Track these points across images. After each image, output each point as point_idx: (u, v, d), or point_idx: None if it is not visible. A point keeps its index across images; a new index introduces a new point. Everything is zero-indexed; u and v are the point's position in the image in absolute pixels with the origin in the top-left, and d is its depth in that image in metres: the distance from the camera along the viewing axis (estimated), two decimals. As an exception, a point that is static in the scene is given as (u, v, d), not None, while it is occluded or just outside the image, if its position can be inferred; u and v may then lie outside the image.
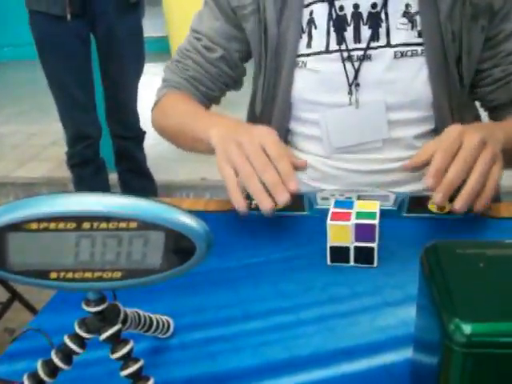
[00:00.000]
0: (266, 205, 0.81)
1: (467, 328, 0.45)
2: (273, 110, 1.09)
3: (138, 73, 2.48)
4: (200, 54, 1.11)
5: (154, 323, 0.66)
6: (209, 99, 1.17)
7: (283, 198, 0.81)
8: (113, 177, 2.66)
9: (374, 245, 0.80)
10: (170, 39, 5.25)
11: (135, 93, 2.51)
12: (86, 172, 2.47)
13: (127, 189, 2.64)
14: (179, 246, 0.49)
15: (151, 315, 0.66)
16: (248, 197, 1.00)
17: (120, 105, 2.48)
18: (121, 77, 2.42)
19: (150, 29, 2.45)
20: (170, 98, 1.13)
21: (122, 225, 0.48)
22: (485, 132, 0.84)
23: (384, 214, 0.92)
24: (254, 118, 1.15)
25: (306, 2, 1.03)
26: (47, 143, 3.62)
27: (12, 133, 4.00)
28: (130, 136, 2.53)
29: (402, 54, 1.00)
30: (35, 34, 2.28)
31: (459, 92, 1.03)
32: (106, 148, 2.56)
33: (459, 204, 0.80)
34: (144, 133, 2.57)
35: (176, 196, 2.98)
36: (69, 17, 2.19)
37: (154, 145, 2.98)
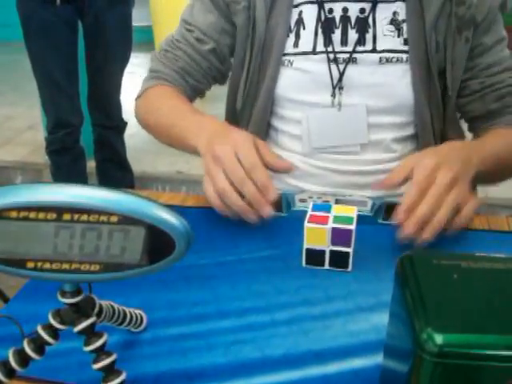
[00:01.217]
0: (252, 219, 0.86)
1: (439, 338, 0.46)
2: (254, 105, 1.10)
3: (123, 63, 2.45)
4: (191, 46, 1.11)
5: (128, 317, 0.66)
6: (196, 92, 1.16)
7: (266, 211, 0.85)
8: (91, 165, 2.64)
9: (350, 250, 0.81)
10: (155, 29, 5.21)
11: (119, 83, 2.49)
12: (65, 159, 2.44)
13: (105, 178, 2.62)
14: (159, 243, 0.49)
15: (125, 309, 0.66)
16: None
17: (103, 94, 2.46)
18: (106, 65, 2.39)
19: (134, 18, 2.42)
20: (156, 91, 1.13)
21: (103, 218, 0.48)
22: (459, 166, 0.85)
23: (360, 219, 0.93)
24: (234, 113, 1.15)
25: (295, 2, 1.04)
26: (24, 127, 3.57)
27: (-12, 115, 3.94)
28: (111, 125, 2.51)
29: (387, 60, 1.01)
30: (22, 16, 2.24)
31: (441, 103, 1.04)
32: (86, 136, 2.53)
33: (427, 235, 0.81)
34: (125, 123, 2.55)
35: (151, 188, 2.97)
36: (58, 1, 2.17)
37: (131, 135, 2.96)
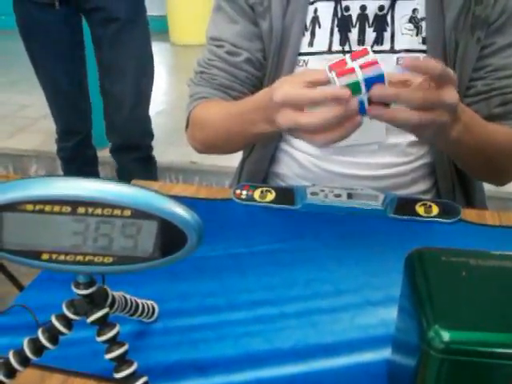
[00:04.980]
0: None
1: (446, 335, 0.46)
2: None
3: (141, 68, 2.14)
4: (225, 61, 1.07)
5: (140, 307, 0.67)
6: None
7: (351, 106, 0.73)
8: (105, 154, 2.62)
9: None
10: (169, 19, 5.22)
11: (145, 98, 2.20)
12: (76, 165, 2.33)
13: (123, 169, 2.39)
14: (171, 237, 0.50)
15: (137, 299, 0.67)
16: (240, 187, 1.01)
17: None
18: (117, 69, 2.12)
19: (149, 7, 2.35)
20: (200, 110, 1.08)
21: (117, 212, 0.49)
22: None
23: (371, 213, 0.94)
24: None
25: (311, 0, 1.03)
26: (39, 116, 3.59)
27: (3, 102, 3.96)
28: (135, 156, 2.26)
29: None
30: (19, 21, 2.05)
31: None
32: (99, 123, 2.36)
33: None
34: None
35: (164, 178, 2.98)
36: (57, 4, 1.96)
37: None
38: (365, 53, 0.74)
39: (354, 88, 0.73)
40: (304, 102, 0.76)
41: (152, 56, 2.18)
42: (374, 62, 0.73)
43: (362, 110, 0.75)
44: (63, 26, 2.06)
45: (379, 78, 0.73)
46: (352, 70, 0.73)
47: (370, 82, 0.73)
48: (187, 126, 1.13)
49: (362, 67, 0.73)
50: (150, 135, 2.30)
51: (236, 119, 0.98)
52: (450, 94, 0.76)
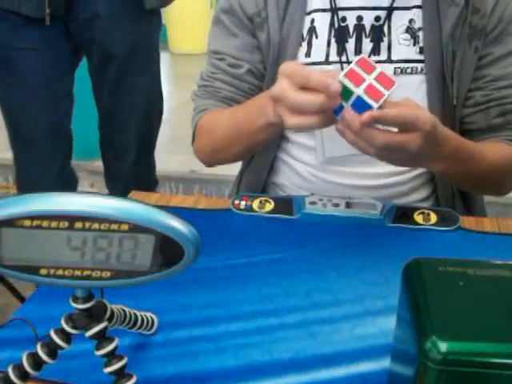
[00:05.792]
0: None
1: (443, 346, 0.46)
2: None
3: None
4: (227, 74, 1.08)
5: (139, 320, 0.67)
6: None
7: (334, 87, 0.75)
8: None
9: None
10: (168, 28, 5.23)
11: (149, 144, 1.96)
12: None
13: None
14: (168, 250, 0.50)
15: (136, 312, 0.67)
16: (239, 198, 1.01)
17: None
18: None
19: None
20: (205, 120, 1.09)
21: (114, 226, 0.49)
22: (427, 155, 0.82)
23: (369, 222, 0.94)
24: None
25: (308, 10, 1.03)
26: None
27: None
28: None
29: (402, 71, 0.99)
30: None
31: (453, 113, 1.02)
32: (93, 137, 2.05)
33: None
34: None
35: (164, 187, 2.98)
36: (48, 20, 1.55)
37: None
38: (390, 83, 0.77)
39: (346, 93, 0.75)
40: (300, 77, 0.77)
41: (161, 97, 1.99)
42: (388, 84, 0.76)
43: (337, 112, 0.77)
44: (53, 58, 1.66)
45: (367, 105, 0.75)
46: (359, 81, 0.75)
47: (360, 102, 0.75)
48: (193, 140, 1.13)
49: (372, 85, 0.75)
50: (154, 183, 2.07)
51: (242, 110, 0.99)
52: (413, 141, 0.78)
